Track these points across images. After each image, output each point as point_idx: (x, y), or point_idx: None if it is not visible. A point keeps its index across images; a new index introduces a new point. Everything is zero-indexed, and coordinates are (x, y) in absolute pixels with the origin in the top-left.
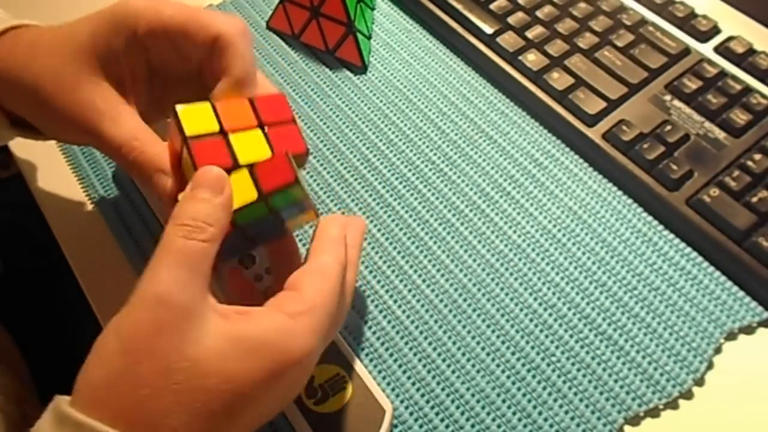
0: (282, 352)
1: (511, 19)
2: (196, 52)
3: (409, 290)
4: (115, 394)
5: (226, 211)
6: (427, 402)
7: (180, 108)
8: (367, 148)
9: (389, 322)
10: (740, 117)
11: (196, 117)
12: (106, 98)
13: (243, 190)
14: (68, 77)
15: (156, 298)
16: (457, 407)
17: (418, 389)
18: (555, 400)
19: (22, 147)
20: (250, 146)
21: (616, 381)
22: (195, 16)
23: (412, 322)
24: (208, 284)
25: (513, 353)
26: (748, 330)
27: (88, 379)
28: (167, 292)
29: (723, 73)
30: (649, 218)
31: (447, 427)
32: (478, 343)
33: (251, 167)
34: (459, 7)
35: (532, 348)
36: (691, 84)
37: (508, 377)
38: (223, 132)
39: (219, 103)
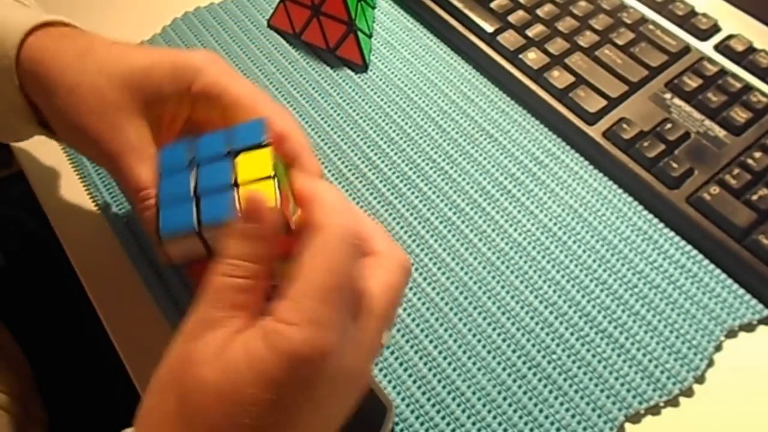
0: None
1: (511, 18)
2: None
3: (410, 288)
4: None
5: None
6: (429, 399)
7: None
8: (369, 147)
9: None
10: (740, 115)
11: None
12: (142, 136)
13: None
14: (111, 99)
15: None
16: (459, 405)
17: (419, 387)
18: (556, 398)
19: (23, 145)
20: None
21: (616, 378)
22: (252, 95)
23: (414, 320)
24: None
25: (514, 351)
26: (749, 327)
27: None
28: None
29: (723, 72)
30: (650, 216)
31: (448, 424)
32: (479, 341)
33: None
34: (460, 5)
35: (533, 346)
36: (692, 82)
37: (509, 375)
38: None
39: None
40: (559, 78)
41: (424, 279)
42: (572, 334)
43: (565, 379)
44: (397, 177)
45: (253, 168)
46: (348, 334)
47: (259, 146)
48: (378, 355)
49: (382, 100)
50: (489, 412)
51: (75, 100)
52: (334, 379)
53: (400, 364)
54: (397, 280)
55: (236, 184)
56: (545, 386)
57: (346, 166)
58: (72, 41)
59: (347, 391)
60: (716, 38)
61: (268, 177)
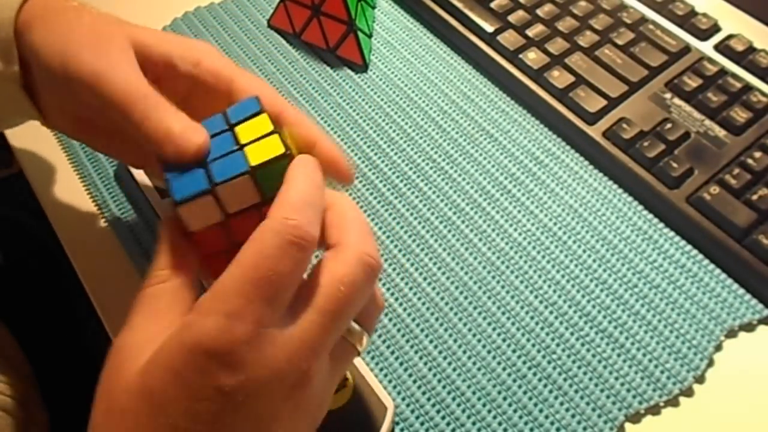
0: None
1: (511, 18)
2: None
3: (411, 288)
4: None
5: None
6: (429, 399)
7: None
8: (368, 147)
9: (390, 319)
10: (740, 115)
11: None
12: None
13: None
14: (113, 41)
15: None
16: (459, 404)
17: (419, 386)
18: (556, 398)
19: (24, 145)
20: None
21: (616, 378)
22: (261, 88)
23: (414, 319)
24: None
25: (514, 351)
26: (749, 327)
27: None
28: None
29: (723, 71)
30: (650, 216)
31: (448, 424)
32: (479, 340)
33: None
34: (460, 5)
35: (533, 346)
36: (692, 82)
37: (509, 375)
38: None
39: None
40: (559, 78)
41: (424, 279)
42: (572, 333)
43: (565, 379)
44: (397, 177)
45: (254, 131)
46: (272, 329)
47: (255, 115)
48: (351, 356)
49: (382, 99)
50: (489, 412)
51: (74, 37)
52: (248, 373)
53: (401, 364)
54: (351, 273)
55: (241, 147)
56: (545, 386)
57: None
58: (79, 6)
59: (277, 389)
60: (716, 38)
61: (271, 133)
